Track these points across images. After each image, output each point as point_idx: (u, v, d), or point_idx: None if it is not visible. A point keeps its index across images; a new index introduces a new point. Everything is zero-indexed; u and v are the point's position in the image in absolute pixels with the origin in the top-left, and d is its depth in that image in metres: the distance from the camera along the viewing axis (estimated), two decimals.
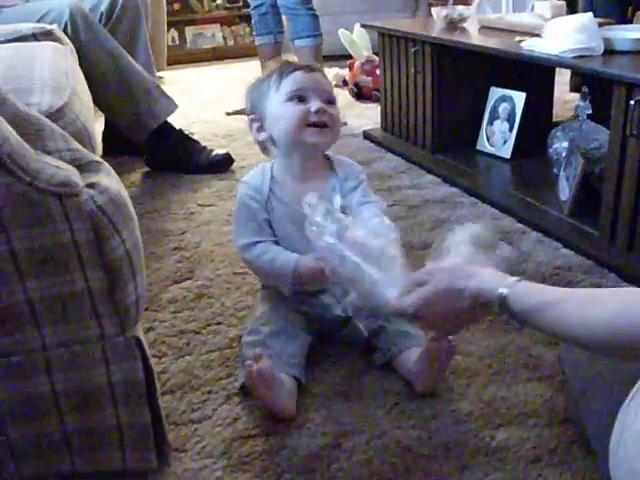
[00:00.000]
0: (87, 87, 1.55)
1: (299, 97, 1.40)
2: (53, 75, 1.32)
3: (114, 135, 2.77)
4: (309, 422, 1.26)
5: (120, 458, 1.11)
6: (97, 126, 1.75)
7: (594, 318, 0.85)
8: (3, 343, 0.99)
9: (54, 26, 1.93)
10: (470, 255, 1.06)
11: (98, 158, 1.08)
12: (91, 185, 0.98)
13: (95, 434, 1.08)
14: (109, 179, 1.03)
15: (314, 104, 1.39)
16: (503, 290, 0.95)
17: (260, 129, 1.45)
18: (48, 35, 1.82)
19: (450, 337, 1.27)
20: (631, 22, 2.20)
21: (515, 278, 0.96)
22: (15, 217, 0.92)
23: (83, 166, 1.03)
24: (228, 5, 5.84)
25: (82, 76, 1.57)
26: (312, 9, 3.29)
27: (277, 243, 1.43)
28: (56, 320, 0.99)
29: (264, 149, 1.50)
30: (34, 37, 1.80)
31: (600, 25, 1.98)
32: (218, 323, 1.59)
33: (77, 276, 0.97)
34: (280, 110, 1.40)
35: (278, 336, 1.38)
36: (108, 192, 0.98)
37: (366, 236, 1.16)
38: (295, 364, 1.34)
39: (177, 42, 5.68)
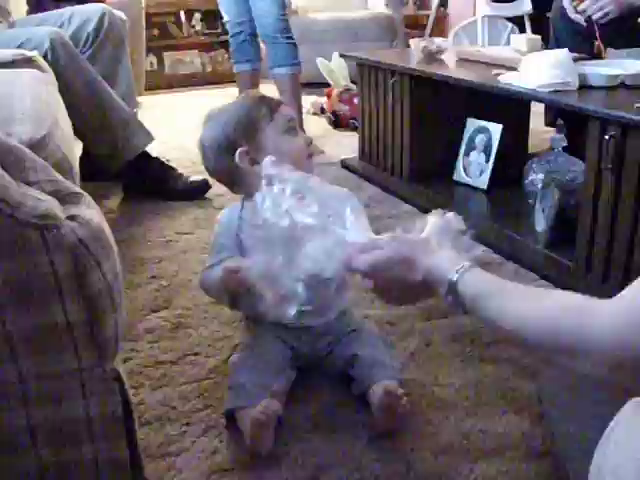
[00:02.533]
0: (67, 116, 1.55)
1: (293, 129, 1.45)
2: (34, 104, 1.31)
3: (91, 160, 2.76)
4: (287, 455, 1.26)
5: None
6: (76, 152, 1.75)
7: (530, 311, 0.86)
8: None
9: (35, 53, 1.93)
10: (438, 237, 1.06)
11: (79, 189, 1.07)
12: (72, 217, 0.97)
13: (71, 468, 1.07)
14: (90, 211, 1.03)
15: (305, 137, 1.47)
16: (453, 275, 0.94)
17: (253, 162, 1.41)
18: (28, 62, 1.81)
19: (402, 399, 1.28)
20: (596, 57, 2.25)
21: (468, 263, 0.95)
22: None
23: (64, 198, 1.03)
24: (207, 31, 5.87)
25: (63, 105, 1.56)
26: (291, 38, 3.32)
27: None
28: (34, 352, 0.98)
29: (238, 184, 1.47)
30: (13, 64, 1.79)
31: (575, 60, 2.01)
32: (196, 354, 1.58)
33: (56, 308, 0.96)
34: (282, 143, 1.42)
35: (265, 368, 1.37)
36: (89, 225, 0.98)
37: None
38: (279, 397, 1.33)
39: (155, 67, 5.69)
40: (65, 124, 1.42)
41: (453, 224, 1.08)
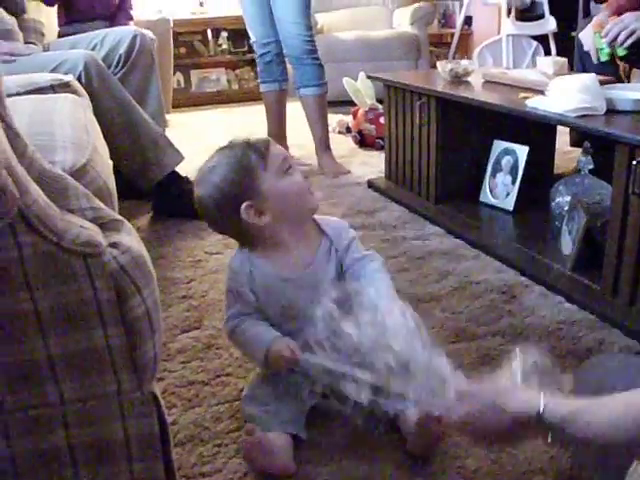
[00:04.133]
0: (104, 142, 1.59)
1: (289, 167, 1.40)
2: (74, 131, 1.35)
3: (121, 179, 2.81)
4: (318, 477, 1.27)
5: None
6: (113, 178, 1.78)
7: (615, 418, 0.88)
8: (22, 397, 1.01)
9: (70, 77, 1.98)
10: (526, 380, 1.08)
11: (119, 216, 1.11)
12: (114, 245, 1.00)
13: None
14: (130, 238, 1.06)
15: (301, 173, 1.43)
16: (540, 407, 0.95)
17: (260, 214, 1.37)
18: (65, 87, 1.86)
19: (437, 426, 1.28)
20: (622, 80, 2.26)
21: (546, 394, 0.97)
22: (40, 276, 0.95)
23: (105, 225, 1.06)
24: (233, 49, 5.94)
25: (99, 130, 1.61)
26: (318, 59, 3.35)
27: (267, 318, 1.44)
28: (75, 376, 1.01)
29: (247, 238, 1.43)
30: (52, 89, 1.84)
31: (602, 84, 2.03)
32: (227, 374, 1.60)
33: (97, 333, 0.99)
34: (283, 186, 1.38)
35: (277, 396, 1.40)
36: (130, 252, 1.01)
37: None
38: (293, 421, 1.37)
39: (182, 85, 5.77)
40: (103, 150, 1.46)
41: (539, 361, 1.09)
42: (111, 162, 2.72)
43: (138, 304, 1.00)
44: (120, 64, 2.74)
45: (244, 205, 1.35)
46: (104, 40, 2.75)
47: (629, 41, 2.27)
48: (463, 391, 1.07)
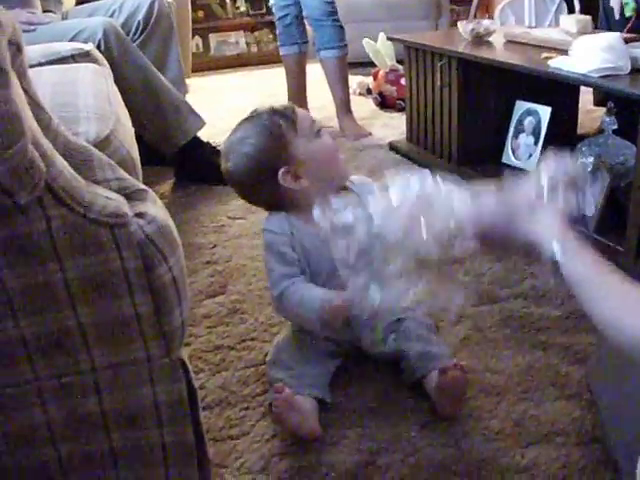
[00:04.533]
0: (126, 110, 1.60)
1: (319, 130, 1.42)
2: (97, 102, 1.36)
3: (143, 146, 2.82)
4: (344, 439, 1.30)
5: (164, 474, 1.15)
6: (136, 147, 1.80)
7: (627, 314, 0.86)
8: (55, 365, 1.03)
9: (90, 45, 1.99)
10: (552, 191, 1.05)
11: (143, 186, 1.12)
12: (139, 215, 1.02)
13: (140, 452, 1.13)
14: (156, 208, 1.07)
15: (329, 135, 1.44)
16: (554, 251, 0.94)
17: (297, 178, 1.39)
18: (86, 56, 1.87)
19: (460, 367, 1.32)
20: None
21: (568, 239, 0.96)
22: (68, 247, 0.96)
23: (130, 195, 1.08)
24: (251, 12, 5.89)
25: (121, 100, 1.61)
26: (338, 20, 3.32)
27: (312, 279, 1.43)
28: (105, 343, 1.04)
29: (285, 204, 1.43)
30: (73, 58, 1.85)
31: (626, 42, 1.99)
32: (252, 339, 1.63)
33: (126, 302, 1.01)
34: (316, 149, 1.40)
35: (301, 359, 1.43)
36: (156, 221, 1.02)
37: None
38: (318, 385, 1.39)
39: (201, 49, 5.74)
40: (125, 120, 1.47)
41: (569, 168, 1.04)
42: (133, 129, 2.77)
43: (165, 272, 1.02)
44: (139, 30, 2.72)
45: (281, 171, 1.37)
46: (122, 7, 2.73)
47: None
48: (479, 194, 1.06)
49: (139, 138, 2.80)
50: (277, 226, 1.44)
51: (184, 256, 1.74)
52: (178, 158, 2.72)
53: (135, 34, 2.72)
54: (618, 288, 0.90)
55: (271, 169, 1.37)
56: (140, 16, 2.71)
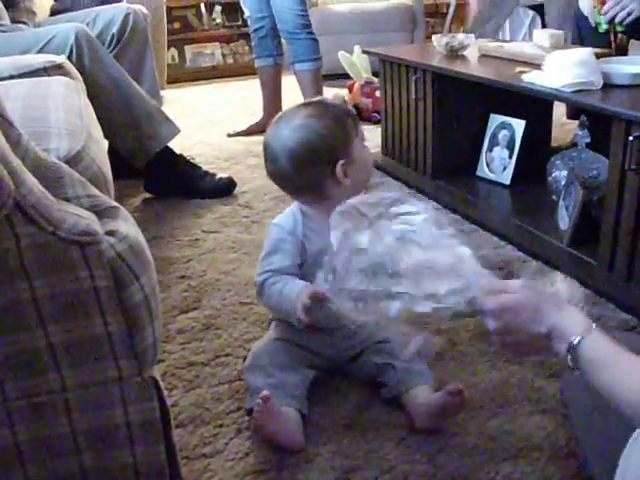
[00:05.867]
0: (99, 125, 1.58)
1: (365, 140, 1.47)
2: (68, 117, 1.35)
3: (115, 158, 2.80)
4: (318, 456, 1.29)
5: None
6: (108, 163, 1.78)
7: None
8: (25, 385, 1.02)
9: (63, 58, 1.97)
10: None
11: (115, 203, 1.11)
12: (111, 232, 1.01)
13: (112, 472, 1.11)
14: (127, 225, 1.06)
15: None
16: (577, 337, 0.93)
17: (347, 174, 1.40)
18: (58, 68, 1.85)
19: (463, 396, 1.32)
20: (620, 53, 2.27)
21: (594, 327, 0.94)
22: (38, 265, 0.95)
23: (101, 212, 1.06)
24: (227, 24, 5.89)
25: (94, 114, 1.60)
26: (312, 33, 3.34)
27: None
28: (76, 363, 1.02)
29: (319, 193, 1.42)
30: (45, 71, 1.83)
31: (598, 57, 2.02)
32: (227, 355, 1.62)
33: (97, 321, 1.00)
34: (366, 156, 1.47)
35: (280, 366, 1.42)
36: (127, 239, 1.01)
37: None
38: (297, 396, 1.38)
39: (177, 60, 5.73)
40: (97, 134, 1.46)
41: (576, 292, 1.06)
42: (106, 142, 2.75)
43: (136, 291, 1.01)
44: (113, 43, 2.70)
45: (341, 162, 1.39)
46: (96, 19, 2.71)
47: (627, 20, 2.29)
48: (505, 283, 1.04)
49: (112, 151, 2.80)
50: (286, 223, 1.47)
51: (157, 270, 1.73)
52: (150, 171, 2.69)
53: (109, 46, 2.70)
54: (633, 365, 0.89)
55: (331, 157, 1.39)
56: (114, 28, 2.70)
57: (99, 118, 1.81)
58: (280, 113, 1.48)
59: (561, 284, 1.05)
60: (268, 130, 1.47)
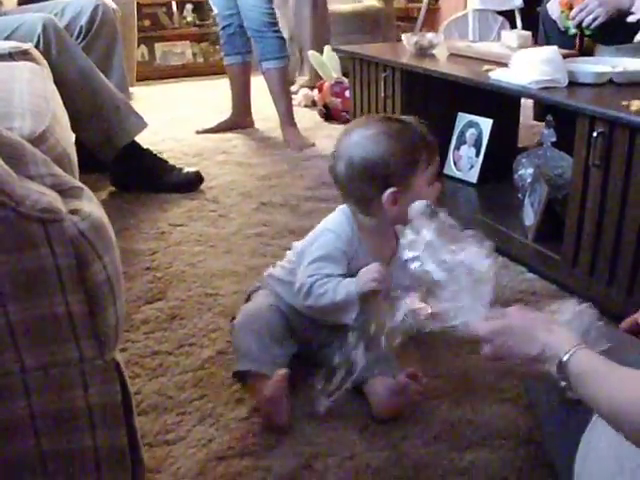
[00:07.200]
0: (64, 109, 1.56)
1: (436, 179, 1.43)
2: (33, 99, 1.33)
3: (83, 151, 2.77)
4: (281, 443, 1.29)
5: (97, 479, 1.12)
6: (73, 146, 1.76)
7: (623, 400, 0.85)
8: None
9: (29, 45, 1.94)
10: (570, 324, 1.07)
11: (79, 184, 1.09)
12: (74, 211, 0.99)
13: (72, 456, 1.09)
14: (91, 205, 1.05)
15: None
16: (565, 355, 0.94)
17: (394, 203, 1.38)
18: (24, 54, 1.83)
19: (420, 381, 1.36)
20: (586, 54, 2.31)
21: (583, 345, 0.95)
22: None
23: (65, 192, 1.05)
24: (198, 22, 5.87)
25: (60, 99, 1.58)
26: (278, 31, 3.34)
27: None
28: (36, 343, 1.00)
29: (365, 208, 1.42)
30: (10, 56, 1.81)
31: (564, 57, 2.04)
32: (191, 344, 1.61)
33: (58, 300, 0.99)
34: (425, 194, 1.37)
35: (272, 334, 1.43)
36: (90, 218, 1.00)
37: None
38: (280, 366, 1.38)
39: (147, 58, 5.69)
40: (63, 118, 1.44)
41: (586, 316, 1.07)
42: (73, 134, 2.72)
43: (99, 270, 1.00)
44: (82, 35, 2.68)
45: (389, 191, 1.36)
46: (65, 10, 2.69)
47: (593, 25, 2.33)
48: (503, 310, 1.07)
49: (79, 145, 2.76)
50: (343, 233, 1.43)
51: (123, 262, 1.71)
52: (117, 165, 2.67)
53: (77, 39, 2.67)
54: (619, 375, 0.90)
55: (385, 182, 1.36)
56: (83, 20, 2.68)
57: (67, 109, 1.79)
58: (367, 116, 1.46)
59: (574, 313, 1.06)
60: (350, 124, 1.46)
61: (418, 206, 1.25)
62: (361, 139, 1.38)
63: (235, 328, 1.49)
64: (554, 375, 0.95)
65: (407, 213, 1.35)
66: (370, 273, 1.34)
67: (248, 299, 1.60)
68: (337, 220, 1.46)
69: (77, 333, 1.02)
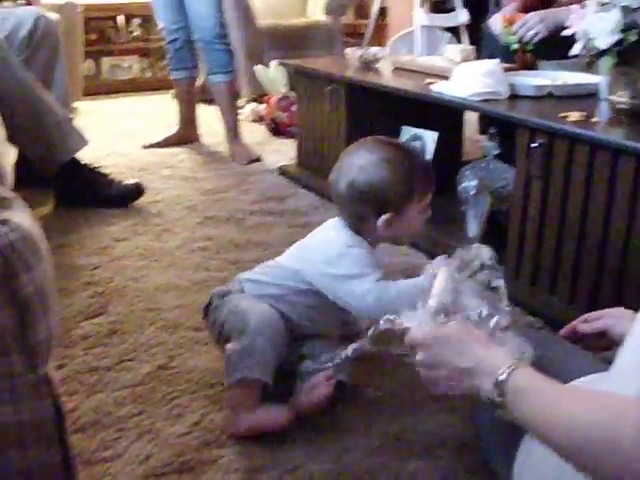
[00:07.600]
0: (2, 123, 1.53)
1: (426, 210, 1.46)
2: None
3: (25, 166, 2.72)
4: (222, 457, 1.27)
5: None
6: (9, 157, 1.72)
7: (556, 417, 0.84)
8: None
9: None
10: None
11: (11, 194, 1.07)
12: (3, 221, 0.97)
13: (1, 476, 1.06)
14: (21, 216, 1.02)
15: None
16: (503, 373, 0.92)
17: (388, 227, 1.41)
18: None
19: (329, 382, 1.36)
20: (527, 68, 2.35)
21: (520, 364, 0.94)
22: None
23: None
24: (146, 36, 5.83)
25: None
26: (228, 44, 3.33)
27: None
28: None
29: (359, 227, 1.45)
30: None
31: (506, 71, 2.07)
32: (131, 359, 1.57)
33: None
34: (415, 223, 1.46)
35: (283, 342, 1.41)
36: (20, 229, 0.97)
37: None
38: (272, 369, 1.36)
39: (94, 72, 5.62)
40: None
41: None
42: (10, 147, 2.66)
43: (29, 282, 0.97)
44: (22, 47, 2.63)
45: (386, 216, 1.40)
46: (4, 21, 2.63)
47: (534, 40, 2.37)
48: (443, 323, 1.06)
49: (22, 159, 2.71)
50: (359, 244, 1.44)
51: (62, 277, 1.69)
52: (59, 180, 2.62)
53: (18, 50, 2.62)
54: (552, 395, 0.88)
55: (382, 207, 1.40)
56: (23, 32, 2.62)
57: (7, 126, 1.75)
58: (373, 138, 1.49)
59: (512, 341, 1.05)
60: (355, 145, 1.50)
61: (486, 254, 1.22)
62: (365, 163, 1.41)
63: (251, 329, 1.37)
64: (484, 392, 0.93)
65: (396, 237, 1.48)
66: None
67: (210, 304, 1.52)
68: (347, 235, 1.46)
69: (6, 347, 0.98)
